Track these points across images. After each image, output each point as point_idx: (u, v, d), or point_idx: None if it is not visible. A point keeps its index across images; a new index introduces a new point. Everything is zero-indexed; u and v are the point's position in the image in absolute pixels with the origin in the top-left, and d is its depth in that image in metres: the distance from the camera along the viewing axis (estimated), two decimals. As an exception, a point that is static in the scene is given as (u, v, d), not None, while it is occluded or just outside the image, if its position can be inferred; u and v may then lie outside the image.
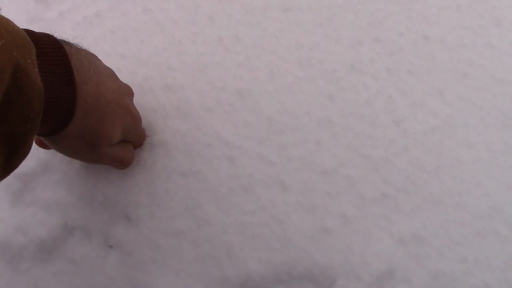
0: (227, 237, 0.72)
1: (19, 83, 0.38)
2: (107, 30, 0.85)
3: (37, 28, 0.86)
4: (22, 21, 0.85)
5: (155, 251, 0.72)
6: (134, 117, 0.66)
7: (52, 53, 0.50)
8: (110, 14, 0.87)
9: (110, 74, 0.64)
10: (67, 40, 0.56)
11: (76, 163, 0.76)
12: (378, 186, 0.75)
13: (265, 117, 0.79)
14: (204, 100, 0.80)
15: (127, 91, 0.67)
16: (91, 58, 0.59)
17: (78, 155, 0.63)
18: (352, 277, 0.70)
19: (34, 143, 0.58)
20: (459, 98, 0.81)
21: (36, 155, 0.77)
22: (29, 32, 0.47)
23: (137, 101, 0.78)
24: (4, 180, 0.80)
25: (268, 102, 0.80)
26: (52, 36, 0.51)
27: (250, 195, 0.74)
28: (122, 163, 0.69)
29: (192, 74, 0.82)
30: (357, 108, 0.80)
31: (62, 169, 0.77)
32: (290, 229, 0.72)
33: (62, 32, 0.79)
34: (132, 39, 0.85)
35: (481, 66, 0.84)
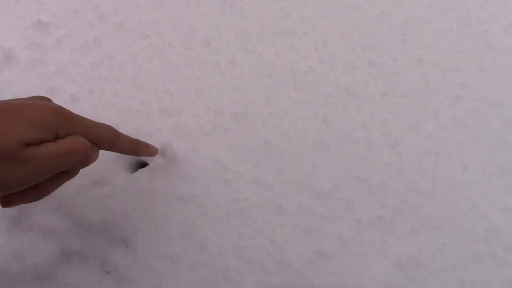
0: (224, 261, 0.72)
1: None
2: (104, 56, 0.86)
3: (36, 53, 0.87)
4: (20, 47, 0.86)
5: (152, 276, 0.72)
6: (44, 111, 0.52)
7: None
8: (107, 39, 0.88)
9: None
10: None
11: (73, 188, 0.76)
12: (374, 209, 0.75)
13: (261, 140, 0.80)
14: (201, 124, 0.81)
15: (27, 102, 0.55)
16: None
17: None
18: (349, 301, 0.70)
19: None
20: (453, 120, 0.82)
21: (33, 180, 0.77)
22: None
23: (134, 125, 0.79)
24: (0, 207, 0.81)
25: (264, 126, 0.81)
26: None
27: (247, 219, 0.74)
28: (68, 155, 0.53)
29: (189, 98, 0.83)
30: (352, 131, 0.81)
31: (59, 194, 0.77)
32: (286, 252, 0.73)
33: (60, 57, 0.81)
34: (129, 64, 0.86)
35: (474, 89, 0.85)
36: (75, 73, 0.84)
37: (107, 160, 0.77)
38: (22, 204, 0.75)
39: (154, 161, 0.77)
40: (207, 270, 0.71)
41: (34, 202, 0.76)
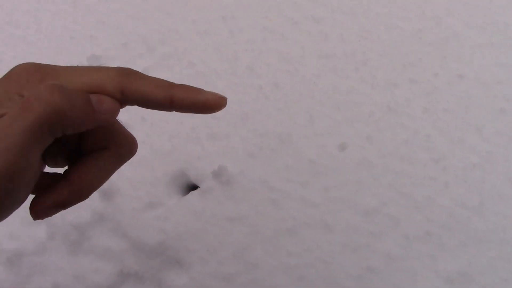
0: (274, 280, 0.74)
1: None
2: (154, 85, 0.91)
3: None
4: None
5: (206, 295, 0.74)
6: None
7: None
8: (156, 69, 0.93)
9: None
10: None
11: (128, 211, 0.80)
12: (422, 225, 0.76)
13: (306, 160, 0.82)
14: (248, 146, 0.84)
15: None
16: None
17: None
18: (400, 316, 0.71)
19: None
20: (497, 133, 0.83)
21: (91, 206, 0.81)
22: None
23: (185, 150, 0.83)
24: (62, 231, 0.86)
25: (308, 146, 0.83)
26: None
27: (295, 237, 0.76)
28: (23, 110, 0.33)
29: (235, 122, 0.86)
30: (395, 148, 0.82)
31: (116, 218, 0.81)
32: (335, 270, 0.74)
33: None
34: (177, 91, 0.90)
35: (517, 101, 0.85)
36: (127, 103, 0.89)
37: (159, 183, 0.81)
38: (83, 228, 0.80)
39: (204, 184, 0.80)
40: (259, 288, 0.74)
41: (93, 226, 0.81)
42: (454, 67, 0.89)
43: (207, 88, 0.91)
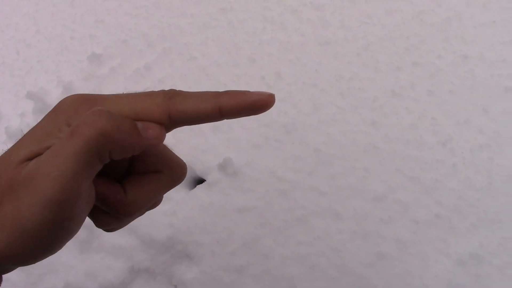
0: (286, 269, 0.74)
1: None
2: (156, 80, 0.91)
3: (92, 84, 0.93)
4: (78, 79, 0.92)
5: (218, 288, 0.75)
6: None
7: None
8: (158, 65, 0.92)
9: None
10: None
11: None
12: (431, 208, 0.76)
13: (312, 149, 0.82)
14: (253, 137, 0.84)
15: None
16: None
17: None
18: (413, 300, 0.71)
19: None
20: (503, 113, 0.82)
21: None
22: None
23: (190, 143, 0.83)
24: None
25: (314, 134, 0.83)
26: None
27: (305, 227, 0.76)
28: (72, 135, 0.33)
29: (239, 114, 0.86)
30: (401, 132, 0.82)
31: (125, 214, 0.81)
32: (347, 257, 0.74)
33: (114, 86, 0.85)
34: (180, 85, 0.90)
35: (523, 79, 0.84)
36: (130, 100, 0.89)
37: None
38: (92, 226, 0.80)
39: (210, 176, 0.80)
40: (271, 278, 0.74)
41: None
42: (457, 47, 0.88)
43: (208, 81, 0.91)
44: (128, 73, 0.93)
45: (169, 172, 0.39)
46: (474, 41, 0.89)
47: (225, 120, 0.87)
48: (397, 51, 0.89)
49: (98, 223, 0.38)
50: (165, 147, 0.39)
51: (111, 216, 0.38)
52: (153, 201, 0.39)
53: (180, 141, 0.84)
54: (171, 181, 0.39)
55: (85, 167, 0.33)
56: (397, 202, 0.76)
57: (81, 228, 0.82)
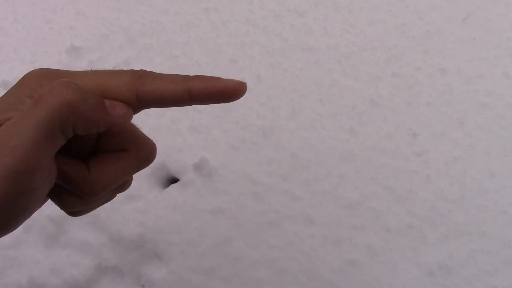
0: (256, 272, 0.73)
1: None
2: (135, 76, 0.90)
3: (69, 77, 0.91)
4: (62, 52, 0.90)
5: (186, 288, 0.74)
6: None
7: None
8: (137, 61, 0.91)
9: None
10: None
11: (108, 204, 0.79)
12: (403, 218, 0.76)
13: (288, 153, 0.81)
14: (229, 139, 0.83)
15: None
16: None
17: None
18: (381, 309, 0.71)
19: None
20: (478, 127, 0.83)
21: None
22: None
23: (166, 142, 0.82)
24: (39, 223, 0.84)
25: (291, 139, 0.83)
26: None
27: (277, 230, 0.76)
28: (35, 104, 0.31)
29: (217, 115, 0.85)
30: (378, 141, 0.82)
31: (94, 211, 0.79)
32: (317, 263, 0.74)
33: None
34: (159, 83, 0.89)
35: (498, 95, 0.85)
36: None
37: (139, 176, 0.80)
38: (60, 221, 0.78)
39: (185, 176, 0.79)
40: (240, 281, 0.73)
41: (71, 219, 0.79)
42: (437, 61, 0.90)
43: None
44: (107, 67, 0.91)
45: (137, 151, 0.37)
46: (453, 55, 0.90)
47: (203, 120, 0.85)
48: (378, 61, 0.90)
49: (62, 204, 0.36)
50: (133, 126, 0.38)
51: (75, 195, 0.36)
52: (120, 181, 0.37)
53: (156, 140, 0.83)
54: (139, 161, 0.38)
55: (47, 138, 0.31)
56: (370, 210, 0.76)
57: (49, 222, 0.79)
